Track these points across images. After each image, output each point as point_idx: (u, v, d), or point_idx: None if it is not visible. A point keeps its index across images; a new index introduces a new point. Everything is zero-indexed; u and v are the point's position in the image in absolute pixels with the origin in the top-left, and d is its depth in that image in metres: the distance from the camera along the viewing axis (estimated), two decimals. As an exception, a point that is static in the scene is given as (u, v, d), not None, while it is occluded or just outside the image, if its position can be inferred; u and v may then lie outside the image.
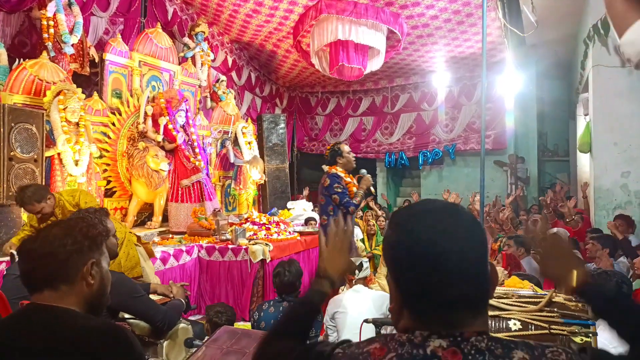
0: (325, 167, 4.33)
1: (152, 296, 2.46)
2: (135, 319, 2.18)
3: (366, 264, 3.10)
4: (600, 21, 4.98)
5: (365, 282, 3.11)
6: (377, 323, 2.04)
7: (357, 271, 3.01)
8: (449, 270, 0.80)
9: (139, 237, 3.64)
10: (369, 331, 2.17)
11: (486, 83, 4.80)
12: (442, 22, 7.33)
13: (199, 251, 4.87)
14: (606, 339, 1.57)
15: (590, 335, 1.37)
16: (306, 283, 5.46)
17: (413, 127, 10.87)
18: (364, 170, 4.39)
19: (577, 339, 1.37)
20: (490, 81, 8.63)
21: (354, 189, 4.23)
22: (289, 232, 5.52)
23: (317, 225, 6.70)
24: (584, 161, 7.91)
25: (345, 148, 4.37)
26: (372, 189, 4.38)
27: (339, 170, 4.26)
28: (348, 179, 4.31)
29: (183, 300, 2.42)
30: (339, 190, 4.13)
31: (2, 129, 3.87)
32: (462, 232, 0.82)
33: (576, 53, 7.75)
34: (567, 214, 5.71)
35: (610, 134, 5.66)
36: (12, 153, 3.97)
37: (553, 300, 1.48)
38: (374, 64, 7.54)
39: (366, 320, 2.04)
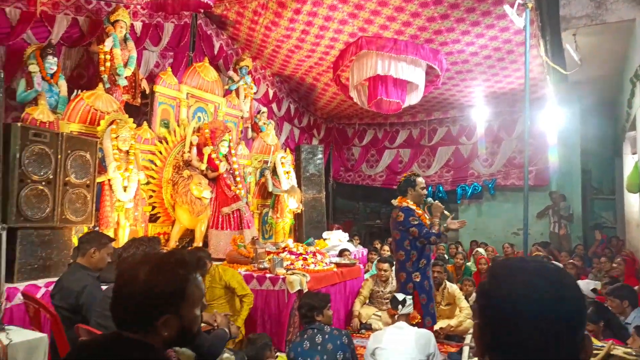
0: (395, 201, 4.18)
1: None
2: (181, 346, 2.22)
3: (409, 300, 3.06)
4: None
5: (408, 318, 3.06)
6: (422, 364, 2.01)
7: (399, 306, 2.97)
8: (545, 336, 0.78)
9: None
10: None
11: (529, 119, 4.76)
12: (482, 59, 7.35)
13: (237, 279, 4.91)
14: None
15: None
16: (341, 316, 5.41)
17: (451, 161, 10.78)
18: (430, 199, 4.24)
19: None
20: (532, 117, 8.51)
21: (427, 221, 4.09)
22: (325, 263, 5.51)
23: (353, 256, 6.67)
24: (632, 201, 7.62)
25: (421, 181, 4.21)
26: (446, 212, 4.19)
27: (409, 203, 4.12)
28: (419, 211, 4.17)
29: (227, 330, 2.45)
30: (416, 222, 3.97)
31: (60, 156, 4.10)
32: (567, 300, 0.81)
33: (622, 91, 7.58)
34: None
35: (661, 173, 5.46)
36: (67, 178, 4.18)
37: (611, 352, 1.44)
38: (413, 98, 7.60)
39: (411, 361, 2.01)
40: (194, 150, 5.81)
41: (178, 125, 5.96)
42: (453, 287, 5.34)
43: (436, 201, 4.24)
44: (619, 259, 6.03)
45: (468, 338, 2.32)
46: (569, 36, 6.30)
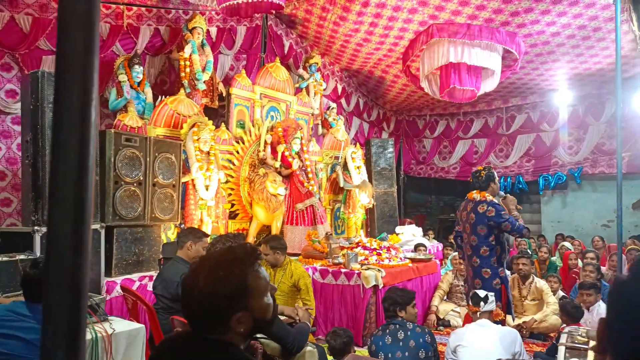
0: (477, 194, 3.99)
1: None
2: (267, 338, 2.31)
3: (492, 297, 2.95)
4: None
5: (492, 316, 2.95)
6: (511, 363, 1.93)
7: (481, 303, 2.87)
8: None
9: None
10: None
11: (621, 100, 4.38)
12: (565, 39, 6.86)
13: (313, 273, 5.01)
14: None
15: None
16: (419, 312, 5.33)
17: (532, 149, 10.20)
18: (502, 192, 4.15)
19: None
20: (624, 98, 7.83)
21: None
22: (400, 258, 5.46)
23: (428, 251, 6.53)
24: None
25: (496, 174, 4.15)
26: (518, 206, 4.08)
27: (491, 197, 3.97)
28: None
29: (309, 324, 2.51)
30: (507, 216, 3.83)
31: (148, 159, 4.41)
32: None
33: None
34: None
35: None
36: (155, 179, 4.48)
37: None
38: (488, 85, 7.28)
39: (499, 360, 1.94)
40: (268, 148, 5.99)
41: (253, 125, 6.17)
42: (541, 283, 5.09)
43: (508, 194, 4.14)
44: None
45: (563, 337, 2.19)
46: (667, 7, 5.70)
